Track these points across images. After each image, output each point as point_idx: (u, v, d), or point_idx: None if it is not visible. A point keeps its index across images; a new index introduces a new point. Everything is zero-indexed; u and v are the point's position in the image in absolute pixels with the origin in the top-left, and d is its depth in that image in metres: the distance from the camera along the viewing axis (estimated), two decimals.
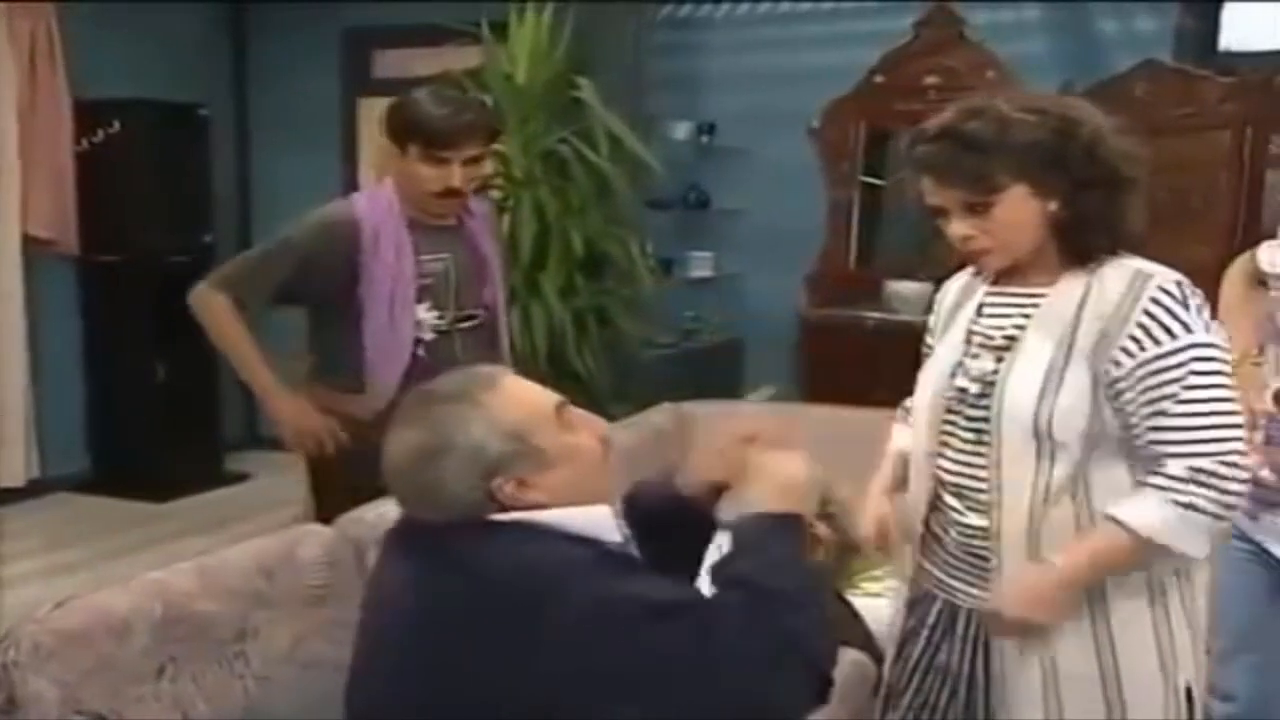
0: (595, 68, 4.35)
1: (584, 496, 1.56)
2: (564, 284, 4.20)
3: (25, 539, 5.15)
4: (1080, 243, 1.77)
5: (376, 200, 2.82)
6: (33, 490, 5.66)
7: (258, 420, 6.60)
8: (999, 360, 1.80)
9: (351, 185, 6.25)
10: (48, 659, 1.71)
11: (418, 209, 2.79)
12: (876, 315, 5.08)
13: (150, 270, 5.73)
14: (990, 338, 1.84)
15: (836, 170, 5.37)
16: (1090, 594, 1.76)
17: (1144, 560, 1.73)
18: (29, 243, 5.56)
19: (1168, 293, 1.68)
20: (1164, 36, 4.73)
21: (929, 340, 2.02)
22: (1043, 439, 1.73)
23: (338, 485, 2.72)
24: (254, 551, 2.13)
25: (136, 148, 5.70)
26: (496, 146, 3.46)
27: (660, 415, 3.41)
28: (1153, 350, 1.67)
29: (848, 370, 4.90)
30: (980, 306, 1.89)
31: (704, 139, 5.53)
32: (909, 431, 2.02)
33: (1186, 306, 1.68)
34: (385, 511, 2.29)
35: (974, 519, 1.84)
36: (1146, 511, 1.68)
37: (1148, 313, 1.68)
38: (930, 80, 5.10)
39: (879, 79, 5.21)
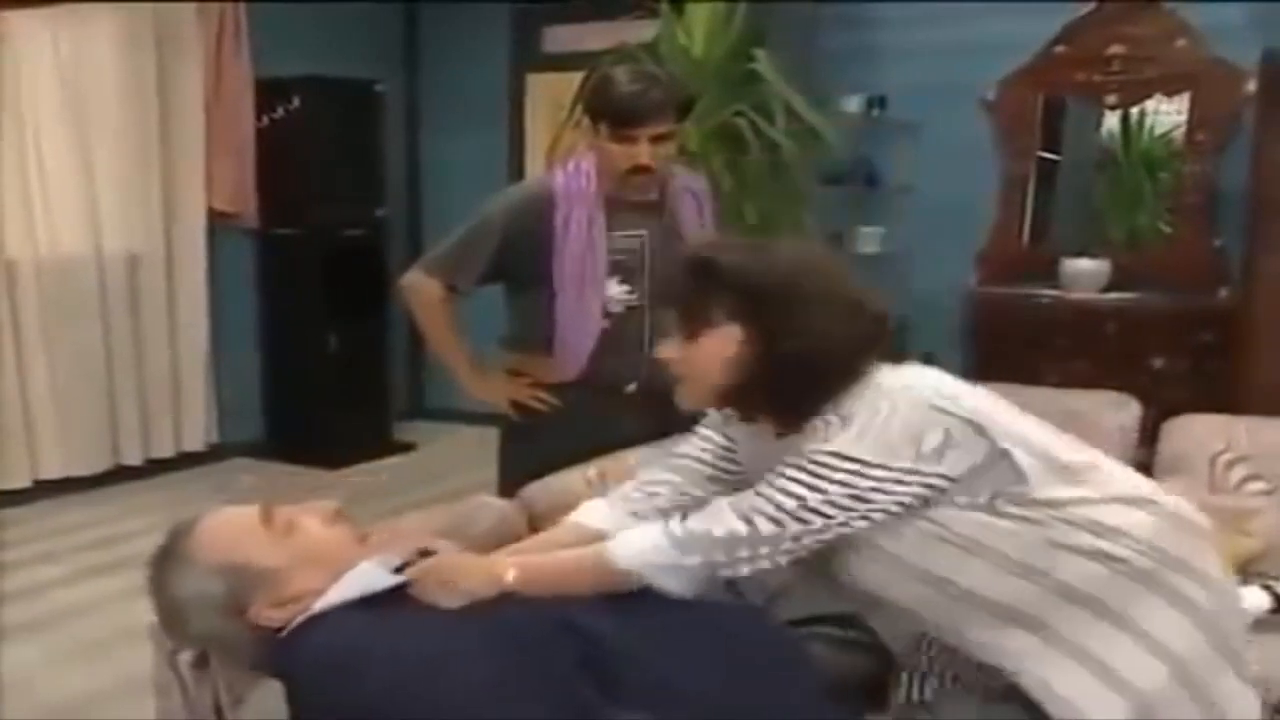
0: (769, 41, 4.28)
1: (340, 573, 1.59)
2: None
3: (205, 501, 5.34)
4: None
5: (574, 175, 2.80)
6: (212, 454, 5.90)
7: (425, 391, 6.76)
8: None
9: (519, 160, 6.32)
10: None
11: (614, 185, 2.78)
12: (1050, 293, 4.91)
13: (325, 243, 5.89)
14: None
15: (1012, 144, 5.20)
16: None
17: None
18: (212, 216, 5.77)
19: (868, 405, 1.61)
20: None
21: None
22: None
23: (526, 453, 2.76)
24: (430, 520, 2.16)
25: (314, 124, 5.85)
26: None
27: None
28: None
29: (1019, 349, 4.76)
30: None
31: (875, 113, 5.41)
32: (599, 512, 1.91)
33: (876, 413, 1.60)
34: (569, 482, 2.31)
35: None
36: (638, 542, 1.66)
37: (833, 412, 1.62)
38: (1115, 50, 4.90)
39: (1059, 49, 5.02)
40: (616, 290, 2.79)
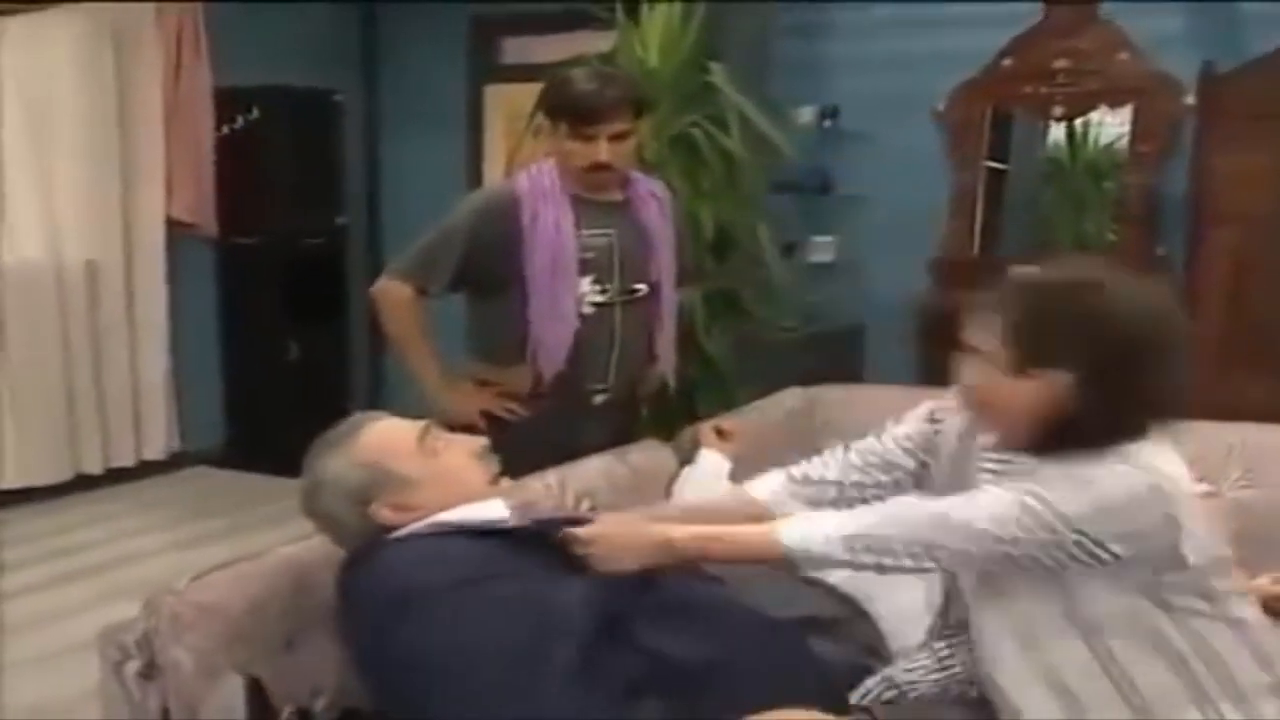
0: (723, 52, 4.33)
1: (465, 502, 1.84)
2: (695, 267, 4.20)
3: (165, 510, 5.36)
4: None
5: (537, 177, 2.82)
6: (173, 463, 5.90)
7: (384, 398, 6.77)
8: None
9: (477, 170, 6.35)
10: (185, 629, 1.79)
11: (577, 184, 2.81)
12: None
13: (285, 252, 5.92)
14: None
15: (961, 154, 5.28)
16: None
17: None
18: (171, 225, 5.77)
19: None
20: None
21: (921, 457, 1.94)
22: None
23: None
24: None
25: (273, 133, 5.87)
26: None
27: (790, 399, 3.39)
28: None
29: None
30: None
31: (827, 123, 5.48)
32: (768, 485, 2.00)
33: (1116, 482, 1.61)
34: (550, 482, 2.37)
35: None
36: (810, 530, 1.67)
37: None
38: (1060, 63, 4.97)
39: (1007, 61, 5.10)
40: (588, 289, 2.82)
